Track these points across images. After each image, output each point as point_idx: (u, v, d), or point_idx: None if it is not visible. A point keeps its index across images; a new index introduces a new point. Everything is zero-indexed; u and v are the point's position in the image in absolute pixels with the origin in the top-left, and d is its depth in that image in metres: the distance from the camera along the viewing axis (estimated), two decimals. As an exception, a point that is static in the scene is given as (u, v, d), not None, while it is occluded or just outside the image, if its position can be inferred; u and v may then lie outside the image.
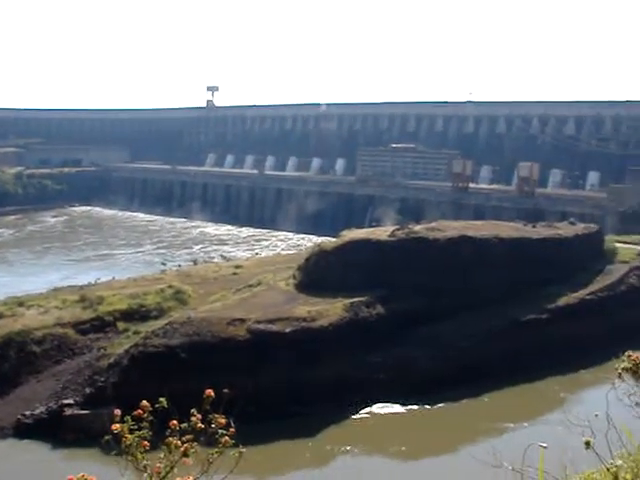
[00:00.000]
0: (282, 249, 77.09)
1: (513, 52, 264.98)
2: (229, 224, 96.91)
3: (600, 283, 48.36)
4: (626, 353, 6.03)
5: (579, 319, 42.86)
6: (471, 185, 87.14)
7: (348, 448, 30.57)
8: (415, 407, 34.19)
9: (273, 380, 32.70)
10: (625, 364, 5.91)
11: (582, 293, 46.25)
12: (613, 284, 48.70)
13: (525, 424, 32.80)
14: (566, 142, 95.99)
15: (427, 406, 34.30)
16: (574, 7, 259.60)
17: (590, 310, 44.56)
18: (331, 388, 33.57)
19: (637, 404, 5.80)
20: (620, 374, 5.91)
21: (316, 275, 41.42)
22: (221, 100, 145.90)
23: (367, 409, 33.83)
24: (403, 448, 30.78)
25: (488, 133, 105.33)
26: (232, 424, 4.87)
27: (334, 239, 46.85)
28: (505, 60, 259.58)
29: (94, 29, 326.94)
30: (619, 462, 5.50)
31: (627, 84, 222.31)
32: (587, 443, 5.38)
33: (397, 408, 34.15)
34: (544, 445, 5.69)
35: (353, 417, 33.17)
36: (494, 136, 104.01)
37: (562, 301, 44.54)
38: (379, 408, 34.05)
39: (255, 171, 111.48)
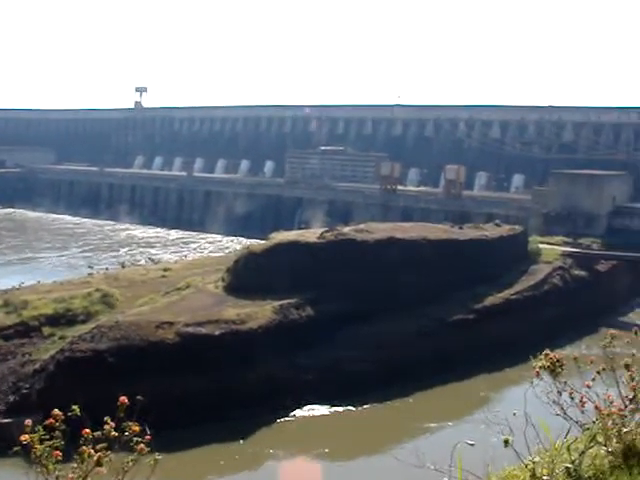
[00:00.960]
0: (211, 251, 76.59)
1: (440, 57, 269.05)
2: (157, 226, 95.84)
3: (525, 283, 49.57)
4: (544, 352, 6.19)
5: (505, 318, 43.80)
6: (399, 187, 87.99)
7: (272, 451, 30.54)
8: (344, 408, 34.37)
9: (203, 383, 32.46)
10: (542, 362, 6.07)
11: (507, 293, 47.31)
12: (537, 284, 49.98)
13: (450, 423, 33.32)
14: (492, 145, 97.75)
15: (355, 407, 34.50)
16: (499, 12, 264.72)
17: (515, 309, 45.61)
18: (261, 391, 33.50)
19: (554, 402, 5.96)
20: (538, 373, 6.07)
21: (245, 277, 41.30)
22: (150, 101, 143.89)
23: (297, 411, 33.89)
24: (326, 450, 30.83)
25: (416, 136, 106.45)
26: (148, 431, 4.80)
27: (263, 241, 46.82)
28: (433, 64, 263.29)
29: (19, 27, 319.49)
30: (537, 459, 5.66)
31: (550, 89, 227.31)
32: (506, 441, 5.51)
33: (326, 409, 34.28)
34: (471, 443, 5.81)
35: (283, 419, 33.19)
36: (422, 139, 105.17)
37: (488, 301, 45.47)
38: (309, 410, 34.15)
39: (184, 173, 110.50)
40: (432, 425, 32.91)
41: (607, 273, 56.72)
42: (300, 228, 63.36)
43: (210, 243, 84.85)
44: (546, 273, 51.74)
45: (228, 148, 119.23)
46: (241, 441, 30.60)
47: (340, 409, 34.30)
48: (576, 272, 54.28)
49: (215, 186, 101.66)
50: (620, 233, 67.22)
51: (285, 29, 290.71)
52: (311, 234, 47.06)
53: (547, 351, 6.15)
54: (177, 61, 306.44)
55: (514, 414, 6.31)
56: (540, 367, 6.05)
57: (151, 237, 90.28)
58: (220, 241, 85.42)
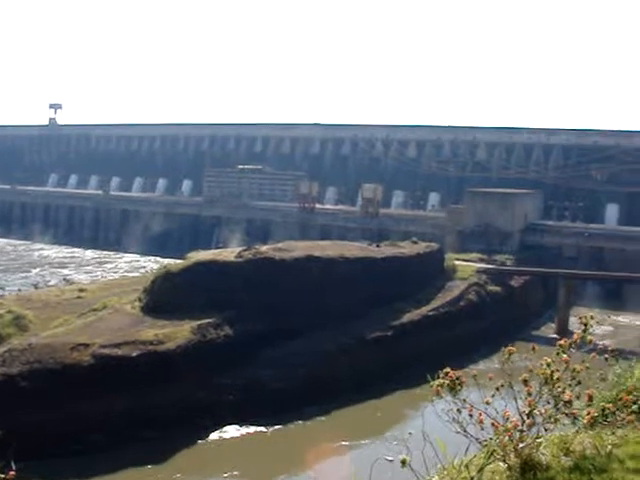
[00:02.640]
0: (128, 271, 75.49)
1: (356, 77, 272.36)
2: (73, 246, 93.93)
3: (441, 299, 50.44)
4: (444, 369, 6.37)
5: (422, 335, 44.47)
6: (317, 206, 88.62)
7: (182, 476, 30.10)
8: (263, 428, 34.27)
9: (121, 406, 31.94)
10: (441, 381, 6.26)
11: (425, 309, 48.06)
12: (453, 300, 50.93)
13: (368, 440, 33.48)
14: (408, 164, 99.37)
15: (275, 426, 34.43)
16: (413, 33, 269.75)
17: (433, 325, 46.35)
18: (181, 412, 33.15)
19: (454, 419, 6.14)
20: (438, 391, 6.25)
21: (163, 297, 40.86)
22: (64, 118, 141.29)
23: (217, 432, 33.63)
24: (235, 472, 30.56)
25: (334, 155, 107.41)
26: (12, 465, 4.70)
27: (181, 261, 46.43)
28: (349, 85, 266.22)
29: None
30: (435, 478, 5.83)
31: (464, 110, 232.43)
32: (403, 462, 5.65)
33: (246, 430, 34.12)
34: (390, 459, 5.94)
35: (203, 441, 32.88)
36: (339, 158, 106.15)
37: (406, 317, 46.08)
38: (228, 430, 33.92)
39: (100, 192, 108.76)
40: (351, 443, 33.06)
41: (520, 288, 58.25)
42: (218, 247, 63.00)
43: (127, 263, 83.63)
44: (462, 289, 52.78)
45: (145, 166, 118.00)
46: (160, 465, 30.16)
47: (260, 429, 34.19)
48: (491, 288, 55.51)
49: (132, 205, 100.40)
50: (532, 249, 69.33)
51: (200, 46, 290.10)
52: (229, 253, 46.89)
53: (447, 369, 6.34)
54: (93, 78, 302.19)
55: (410, 434, 6.46)
56: (439, 385, 6.24)
57: (66, 257, 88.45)
58: (137, 261, 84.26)
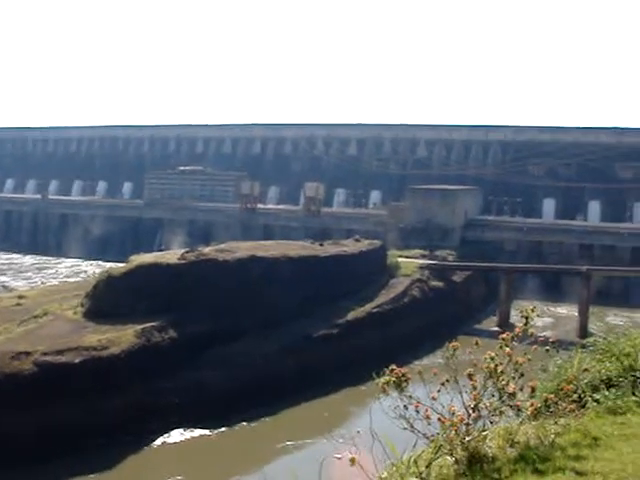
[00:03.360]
0: (68, 277, 74.30)
1: (295, 76, 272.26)
2: (11, 252, 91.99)
3: (385, 296, 50.88)
4: (390, 367, 6.45)
5: (367, 332, 44.75)
6: (259, 206, 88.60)
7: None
8: (210, 431, 34.08)
9: (66, 414, 31.42)
10: (387, 378, 6.33)
11: (369, 306, 48.38)
12: (397, 296, 51.41)
13: (316, 439, 33.47)
14: (349, 163, 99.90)
15: (222, 428, 34.27)
16: (352, 33, 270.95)
17: (377, 322, 46.68)
18: (127, 417, 32.72)
19: (401, 416, 6.22)
20: (384, 388, 6.32)
21: (105, 302, 40.34)
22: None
23: (164, 436, 33.31)
24: (179, 478, 30.26)
25: (275, 154, 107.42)
26: None
27: (123, 264, 45.91)
28: (289, 84, 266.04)
29: None
30: (384, 474, 5.90)
31: (404, 109, 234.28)
32: (352, 460, 5.70)
33: (193, 433, 33.86)
34: (339, 457, 5.98)
35: (149, 446, 32.52)
36: (281, 157, 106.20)
37: (351, 315, 46.31)
38: (175, 435, 33.62)
39: (38, 196, 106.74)
40: (298, 442, 33.08)
41: (462, 283, 59.14)
42: (160, 250, 62.52)
43: (67, 268, 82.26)
44: (405, 286, 53.31)
45: (84, 169, 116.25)
46: (108, 472, 29.76)
47: (206, 432, 33.96)
48: (434, 283, 56.21)
49: (71, 209, 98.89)
50: (473, 244, 70.42)
51: (135, 46, 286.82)
52: (172, 255, 46.53)
53: (393, 366, 6.41)
54: (28, 80, 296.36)
55: (358, 432, 6.52)
56: (385, 382, 6.31)
57: (4, 264, 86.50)
58: (78, 265, 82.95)
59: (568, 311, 58.48)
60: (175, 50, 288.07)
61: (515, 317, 50.01)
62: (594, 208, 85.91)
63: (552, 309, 59.61)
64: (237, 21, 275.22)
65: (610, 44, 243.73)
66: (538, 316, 7.54)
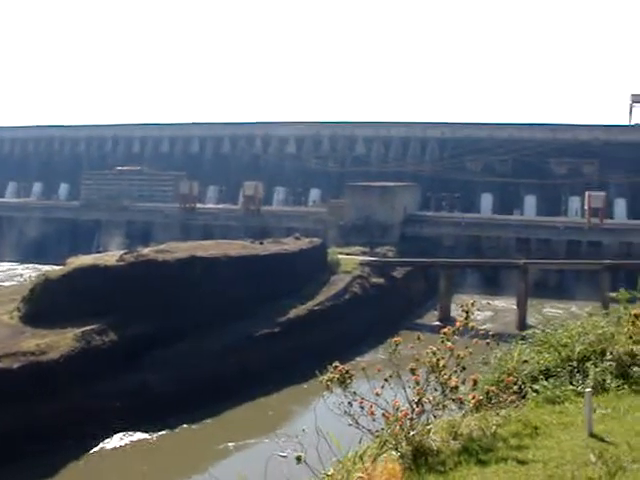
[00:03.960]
0: (3, 281, 72.67)
1: (232, 75, 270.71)
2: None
3: (326, 293, 51.10)
4: (333, 364, 6.47)
5: (310, 329, 44.85)
6: (199, 205, 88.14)
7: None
8: (153, 433, 33.73)
9: (4, 420, 30.74)
10: (331, 375, 6.36)
11: (311, 304, 48.52)
12: (338, 293, 51.68)
13: (260, 439, 33.42)
14: (288, 161, 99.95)
15: (165, 431, 33.94)
16: (279, 29, 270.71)
17: (319, 320, 46.81)
18: (69, 422, 32.15)
19: (346, 412, 6.26)
20: (328, 386, 6.35)
21: (43, 306, 39.60)
22: None
23: (105, 441, 32.86)
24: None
25: (213, 153, 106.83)
26: None
27: (60, 267, 45.14)
28: (228, 83, 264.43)
29: None
30: (331, 471, 5.92)
31: (341, 107, 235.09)
32: (298, 458, 5.71)
33: (135, 437, 33.47)
34: (284, 455, 5.97)
35: (91, 451, 32.05)
36: (219, 156, 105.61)
37: (293, 313, 46.39)
38: (117, 438, 33.20)
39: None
40: (243, 442, 32.96)
41: (403, 279, 59.73)
42: (99, 251, 61.65)
43: (2, 272, 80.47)
44: (346, 282, 53.62)
45: (19, 170, 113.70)
46: (50, 478, 29.25)
47: (148, 435, 33.62)
48: (374, 280, 56.64)
49: (6, 211, 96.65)
50: (412, 240, 71.13)
51: (65, 43, 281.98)
52: (110, 257, 45.96)
53: (336, 363, 6.44)
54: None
55: (303, 430, 6.54)
56: (329, 380, 6.33)
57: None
58: (14, 269, 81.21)
59: (507, 304, 59.44)
60: (109, 49, 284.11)
61: (456, 311, 50.44)
62: (530, 203, 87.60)
63: (492, 302, 60.52)
64: (162, 18, 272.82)
65: (545, 43, 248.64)
66: (478, 310, 7.66)
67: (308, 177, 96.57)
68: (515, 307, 56.10)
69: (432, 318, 55.01)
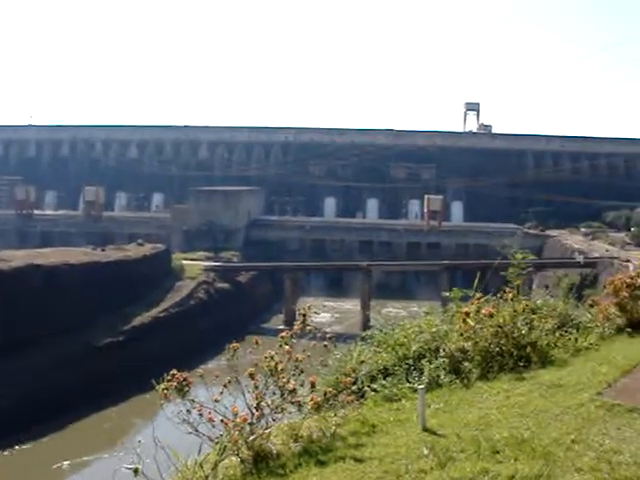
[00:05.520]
0: None
1: (70, 77, 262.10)
2: None
3: (171, 300, 50.49)
4: (171, 372, 6.42)
5: (155, 337, 44.11)
6: (36, 211, 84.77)
7: None
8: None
9: None
10: (167, 384, 6.30)
11: (156, 311, 47.79)
12: (183, 299, 51.18)
13: (107, 452, 32.37)
14: (130, 165, 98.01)
15: (3, 450, 32.24)
16: (198, 34, 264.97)
17: (165, 327, 46.13)
18: None
19: (184, 420, 6.22)
20: (166, 394, 6.28)
21: None
22: None
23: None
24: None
25: (51, 157, 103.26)
26: None
27: None
28: (65, 83, 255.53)
29: None
30: None
31: (184, 111, 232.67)
32: (135, 470, 5.62)
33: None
34: (131, 467, 5.84)
35: None
36: (58, 160, 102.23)
37: (137, 321, 45.55)
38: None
39: None
40: (84, 459, 31.79)
41: (248, 283, 59.88)
42: None
43: None
44: (191, 288, 53.20)
45: None
46: None
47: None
48: (219, 285, 56.48)
49: None
50: (257, 244, 71.42)
51: None
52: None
53: (174, 371, 6.39)
54: None
55: (139, 442, 6.44)
56: (165, 388, 6.28)
57: None
58: None
59: (353, 305, 60.65)
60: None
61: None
62: (372, 206, 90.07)
63: (338, 304, 61.62)
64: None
65: (390, 53, 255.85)
66: (316, 313, 7.79)
67: (151, 182, 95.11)
68: (359, 308, 57.35)
69: (278, 322, 55.35)
